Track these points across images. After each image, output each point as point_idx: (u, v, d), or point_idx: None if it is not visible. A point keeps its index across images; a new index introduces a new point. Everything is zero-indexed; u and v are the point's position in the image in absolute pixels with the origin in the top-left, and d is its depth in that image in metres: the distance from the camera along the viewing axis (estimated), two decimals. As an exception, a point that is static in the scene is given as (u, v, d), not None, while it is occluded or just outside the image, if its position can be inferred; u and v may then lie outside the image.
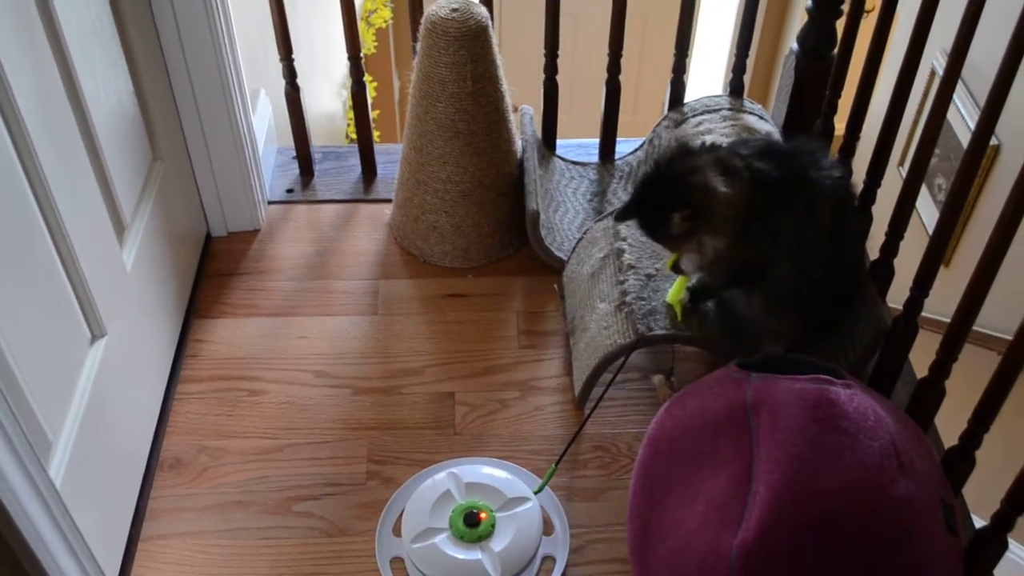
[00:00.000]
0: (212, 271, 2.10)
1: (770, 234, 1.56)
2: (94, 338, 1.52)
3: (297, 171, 2.37)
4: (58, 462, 1.35)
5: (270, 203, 2.28)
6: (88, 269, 1.46)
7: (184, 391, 1.85)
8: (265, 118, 2.31)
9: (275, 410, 1.82)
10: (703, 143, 1.62)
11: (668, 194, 1.56)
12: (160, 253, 1.84)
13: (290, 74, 2.21)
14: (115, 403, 1.57)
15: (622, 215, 1.69)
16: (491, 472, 1.67)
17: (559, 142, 2.37)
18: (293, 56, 2.18)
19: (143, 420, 1.74)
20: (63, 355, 1.42)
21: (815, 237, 1.58)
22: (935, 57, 3.43)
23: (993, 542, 1.43)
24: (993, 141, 3.29)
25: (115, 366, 1.56)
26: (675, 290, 1.73)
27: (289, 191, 2.32)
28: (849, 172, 1.82)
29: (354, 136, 2.39)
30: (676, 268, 1.70)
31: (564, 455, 1.70)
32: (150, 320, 1.80)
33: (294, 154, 2.37)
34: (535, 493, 1.63)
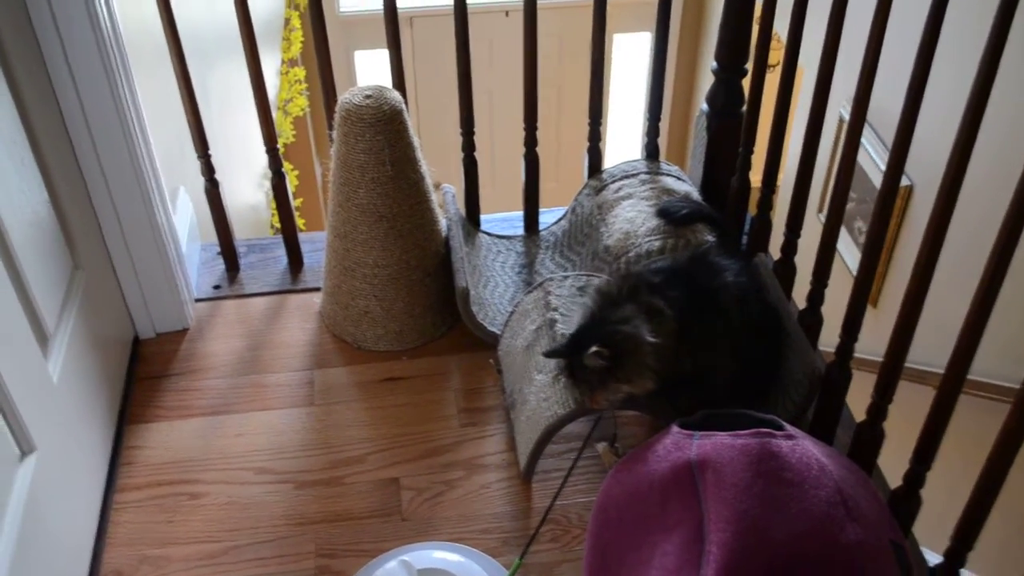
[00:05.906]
0: (142, 374, 2.06)
1: (701, 351, 1.63)
2: (23, 454, 1.48)
3: (223, 266, 2.35)
4: (-8, 588, 1.31)
5: (197, 300, 2.25)
6: (12, 383, 1.42)
7: (122, 500, 1.80)
8: (186, 216, 2.29)
9: (217, 512, 1.78)
10: (620, 289, 1.63)
11: (594, 336, 1.57)
12: (87, 361, 1.80)
13: (208, 170, 2.20)
14: (50, 520, 1.52)
15: (551, 353, 1.68)
16: (443, 556, 1.64)
17: (484, 217, 2.39)
18: (210, 152, 2.17)
19: (81, 534, 1.69)
20: (-8, 476, 1.38)
21: (732, 336, 1.67)
22: (842, 105, 3.52)
23: (947, 579, 1.45)
24: (905, 182, 3.37)
25: (48, 481, 1.52)
26: None
27: (216, 287, 2.30)
28: (748, 263, 1.86)
29: (279, 226, 2.38)
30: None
31: (529, 546, 1.69)
32: (82, 430, 1.76)
33: (218, 250, 2.35)
34: None
